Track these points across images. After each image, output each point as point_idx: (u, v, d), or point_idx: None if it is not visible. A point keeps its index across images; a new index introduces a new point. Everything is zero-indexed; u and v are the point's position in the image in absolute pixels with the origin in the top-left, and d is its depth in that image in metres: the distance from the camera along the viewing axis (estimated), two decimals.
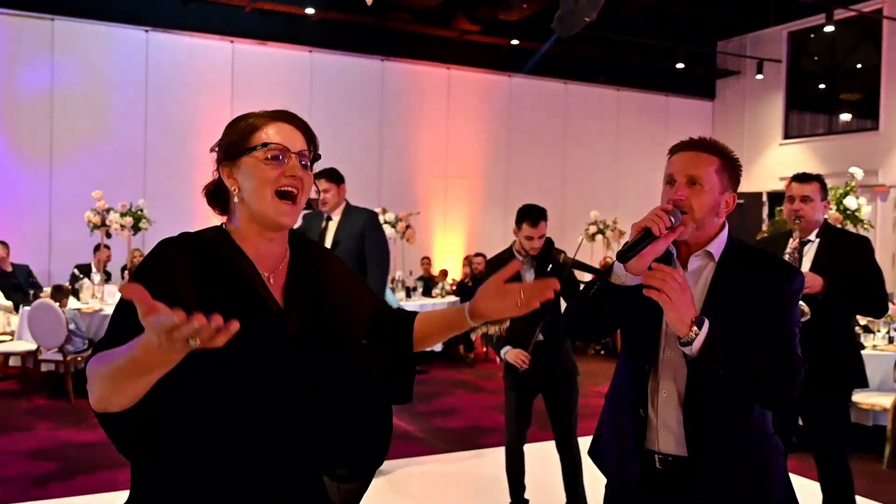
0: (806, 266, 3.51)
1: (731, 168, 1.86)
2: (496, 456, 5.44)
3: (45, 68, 9.85)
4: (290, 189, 1.42)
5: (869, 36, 12.38)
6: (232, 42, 10.87)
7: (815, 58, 13.54)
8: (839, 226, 5.28)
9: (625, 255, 1.73)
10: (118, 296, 5.45)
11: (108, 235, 8.27)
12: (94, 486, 4.61)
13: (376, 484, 4.83)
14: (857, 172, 5.59)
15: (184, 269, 1.36)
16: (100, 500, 4.38)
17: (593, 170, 13.69)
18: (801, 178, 3.50)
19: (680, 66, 12.87)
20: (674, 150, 1.91)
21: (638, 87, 14.07)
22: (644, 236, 1.73)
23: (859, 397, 5.53)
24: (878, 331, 6.00)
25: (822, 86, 13.50)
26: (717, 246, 1.85)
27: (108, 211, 8.13)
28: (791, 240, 3.52)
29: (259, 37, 10.96)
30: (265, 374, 1.40)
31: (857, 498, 4.61)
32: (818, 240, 3.53)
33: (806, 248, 3.55)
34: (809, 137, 13.13)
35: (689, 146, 1.88)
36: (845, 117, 12.93)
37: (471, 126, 12.68)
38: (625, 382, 1.95)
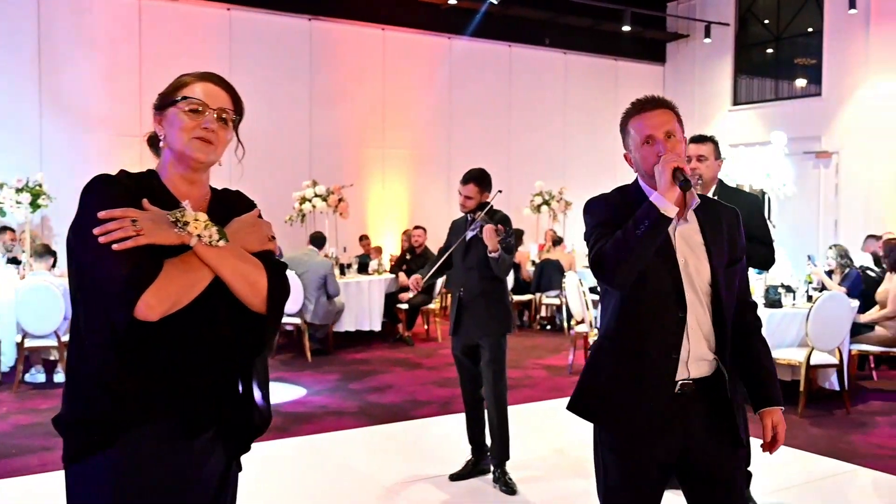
0: None
1: (680, 117, 2.34)
2: (428, 426, 5.93)
3: None
4: (204, 138, 1.84)
5: (813, 0, 13.15)
6: None
7: (765, 21, 14.23)
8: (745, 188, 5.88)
9: (687, 184, 2.18)
10: (14, 280, 5.70)
11: (3, 213, 8.35)
12: (34, 467, 4.92)
13: (301, 452, 5.23)
14: (780, 138, 6.16)
15: (120, 198, 1.74)
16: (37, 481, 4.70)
17: (540, 138, 14.11)
18: (696, 139, 4.05)
19: (626, 28, 13.39)
20: (638, 111, 2.31)
21: (586, 50, 14.54)
22: (685, 176, 2.19)
23: (777, 353, 6.19)
24: (797, 289, 6.69)
25: (769, 50, 14.22)
26: (692, 202, 2.32)
27: (0, 187, 8.19)
28: None
29: None
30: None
31: None
32: (714, 198, 4.09)
33: None
34: (758, 103, 13.88)
35: (652, 105, 2.30)
36: (793, 83, 13.69)
37: (409, 92, 12.94)
38: (650, 332, 2.29)
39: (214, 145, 1.85)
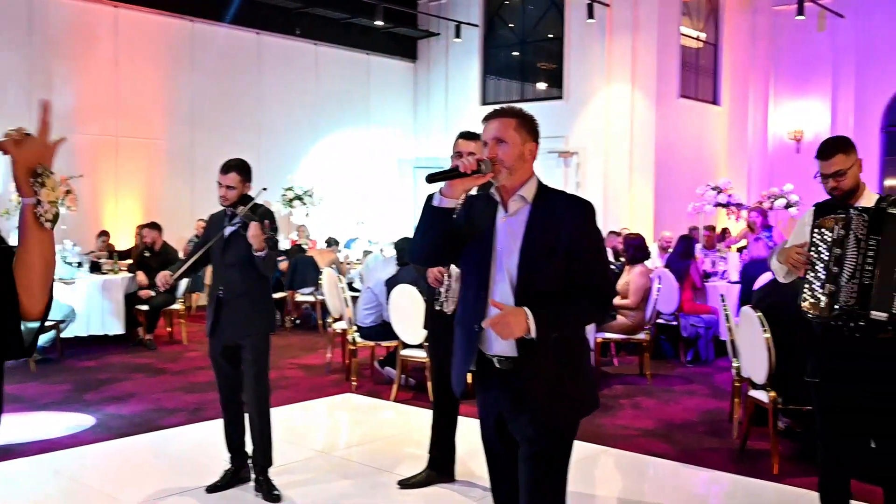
0: None
1: (526, 124, 2.61)
2: (178, 436, 5.55)
3: None
4: None
5: (555, 7, 14.18)
6: None
7: (510, 25, 15.08)
8: None
9: (431, 177, 2.52)
10: None
11: None
12: None
13: (28, 475, 4.71)
14: None
15: None
16: None
17: (292, 130, 13.88)
18: (466, 136, 4.13)
19: (378, 23, 13.56)
20: (484, 121, 2.64)
21: (338, 43, 14.55)
22: (451, 170, 2.54)
23: None
24: None
25: (515, 53, 15.10)
26: (528, 191, 2.61)
27: None
28: None
29: None
30: None
31: None
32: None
33: None
34: (504, 103, 14.67)
35: (494, 115, 2.63)
36: (536, 85, 14.65)
37: (146, 77, 12.17)
38: (461, 307, 2.72)
39: None
